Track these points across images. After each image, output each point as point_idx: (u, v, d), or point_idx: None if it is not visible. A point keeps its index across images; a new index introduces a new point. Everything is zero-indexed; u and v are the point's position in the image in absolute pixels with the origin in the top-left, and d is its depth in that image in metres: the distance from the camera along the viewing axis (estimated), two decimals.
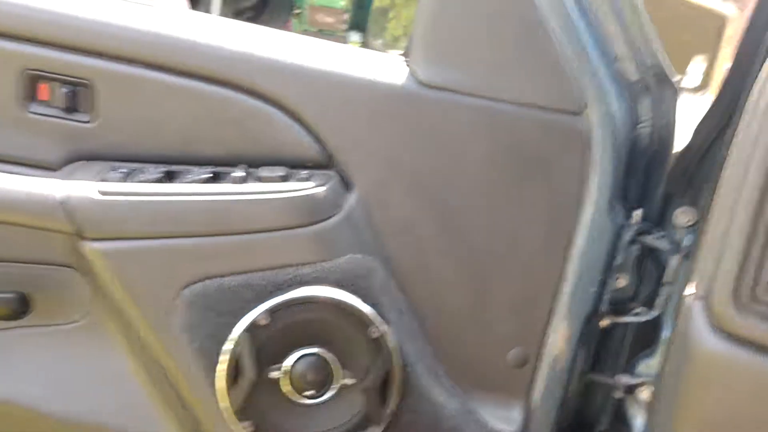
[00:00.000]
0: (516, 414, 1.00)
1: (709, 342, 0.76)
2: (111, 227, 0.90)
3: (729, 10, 2.78)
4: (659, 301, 0.96)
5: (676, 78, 1.06)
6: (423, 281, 0.97)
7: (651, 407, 0.94)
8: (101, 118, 0.95)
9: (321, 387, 0.94)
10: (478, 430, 0.99)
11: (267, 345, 0.92)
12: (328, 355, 0.93)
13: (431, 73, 0.91)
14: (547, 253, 0.94)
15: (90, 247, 0.90)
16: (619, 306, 0.97)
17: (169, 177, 0.93)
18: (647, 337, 0.98)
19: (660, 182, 0.99)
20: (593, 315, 0.96)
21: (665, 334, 0.96)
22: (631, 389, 0.98)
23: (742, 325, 0.74)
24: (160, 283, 0.91)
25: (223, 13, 3.13)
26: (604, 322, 0.98)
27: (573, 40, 0.89)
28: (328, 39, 1.36)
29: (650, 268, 0.97)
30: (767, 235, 0.72)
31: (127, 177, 0.92)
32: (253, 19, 3.33)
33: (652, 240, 0.95)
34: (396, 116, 0.93)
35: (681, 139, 1.00)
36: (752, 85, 0.75)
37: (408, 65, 0.94)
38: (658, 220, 0.98)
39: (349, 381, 0.94)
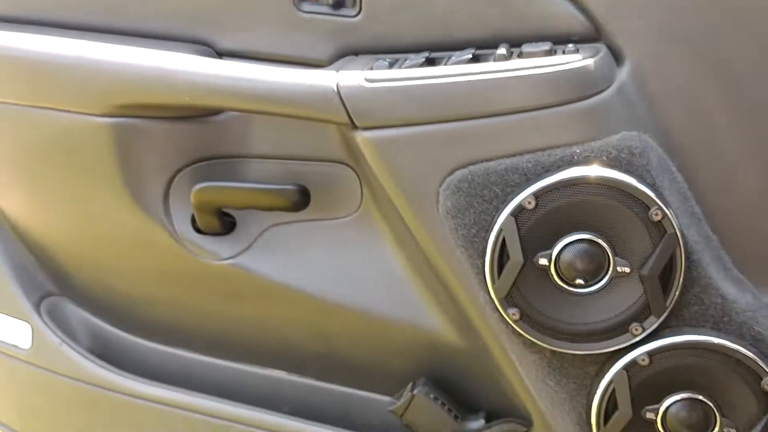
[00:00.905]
0: None
1: None
2: (380, 114, 0.91)
3: None
4: None
5: None
6: (708, 160, 0.87)
7: None
8: (366, 11, 0.97)
9: (593, 276, 0.89)
10: None
11: (533, 230, 0.88)
12: (601, 241, 0.88)
13: None
14: None
15: (361, 137, 0.93)
16: None
17: (431, 63, 0.92)
18: None
19: None
20: None
21: None
22: None
23: None
24: (427, 169, 0.91)
25: None
26: None
27: None
28: None
29: None
30: None
31: (391, 66, 0.93)
32: None
33: None
34: None
35: None
36: None
37: None
38: None
39: (625, 269, 0.88)
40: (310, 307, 1.06)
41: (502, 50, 0.89)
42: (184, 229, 1.07)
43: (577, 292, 0.89)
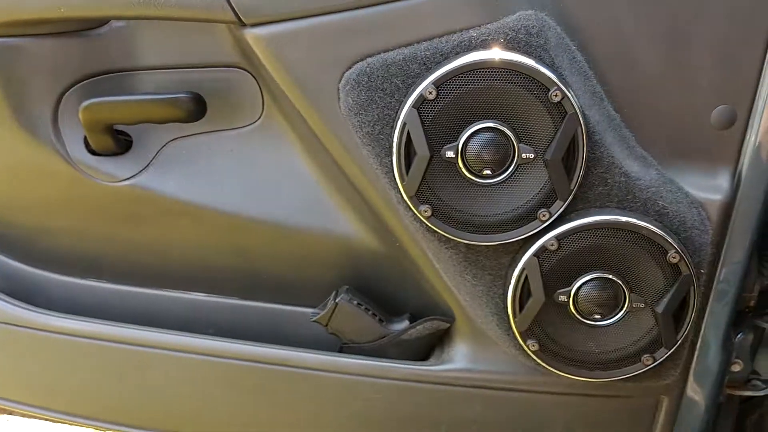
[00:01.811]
0: (723, 182, 0.89)
1: None
2: (267, 8, 0.87)
3: None
4: None
5: None
6: (608, 37, 0.85)
7: None
8: None
9: (500, 165, 0.87)
10: (679, 201, 0.89)
11: (437, 122, 0.86)
12: (505, 128, 0.86)
13: None
14: None
15: (251, 35, 0.88)
16: None
17: None
18: None
19: None
20: None
21: None
22: None
23: None
24: (323, 64, 0.88)
25: None
26: None
27: None
28: None
29: None
30: None
31: None
32: None
33: None
34: None
35: None
36: None
37: None
38: None
39: (529, 155, 0.86)
40: (220, 223, 1.03)
41: None
42: (78, 152, 1.02)
43: (485, 183, 0.88)
